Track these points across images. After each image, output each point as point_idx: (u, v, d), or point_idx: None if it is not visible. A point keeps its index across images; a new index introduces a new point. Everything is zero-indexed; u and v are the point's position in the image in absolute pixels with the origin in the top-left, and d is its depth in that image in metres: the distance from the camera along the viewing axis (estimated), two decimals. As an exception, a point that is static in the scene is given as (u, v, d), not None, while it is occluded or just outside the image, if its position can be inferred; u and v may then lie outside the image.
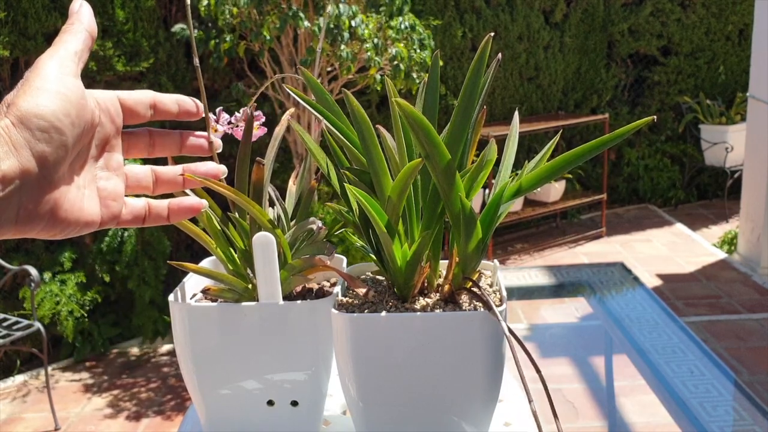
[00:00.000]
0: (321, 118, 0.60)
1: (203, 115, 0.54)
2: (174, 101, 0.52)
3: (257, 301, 0.62)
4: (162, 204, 0.51)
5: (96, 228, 0.47)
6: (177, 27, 2.89)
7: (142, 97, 0.50)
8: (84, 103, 0.44)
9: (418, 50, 2.62)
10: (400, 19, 2.60)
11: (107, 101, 0.48)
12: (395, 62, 2.53)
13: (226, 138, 0.62)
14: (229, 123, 0.64)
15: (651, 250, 3.94)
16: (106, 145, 0.48)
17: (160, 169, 0.52)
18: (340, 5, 2.44)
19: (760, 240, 3.50)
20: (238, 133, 0.64)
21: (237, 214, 0.64)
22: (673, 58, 4.73)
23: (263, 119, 0.65)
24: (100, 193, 0.47)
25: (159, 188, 0.52)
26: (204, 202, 0.52)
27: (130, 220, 0.49)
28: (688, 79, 4.78)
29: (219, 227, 0.65)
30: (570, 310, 2.35)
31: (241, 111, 0.64)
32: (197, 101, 0.54)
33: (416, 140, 0.53)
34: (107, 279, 2.93)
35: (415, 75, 2.60)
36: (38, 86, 0.42)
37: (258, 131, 0.64)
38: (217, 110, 0.63)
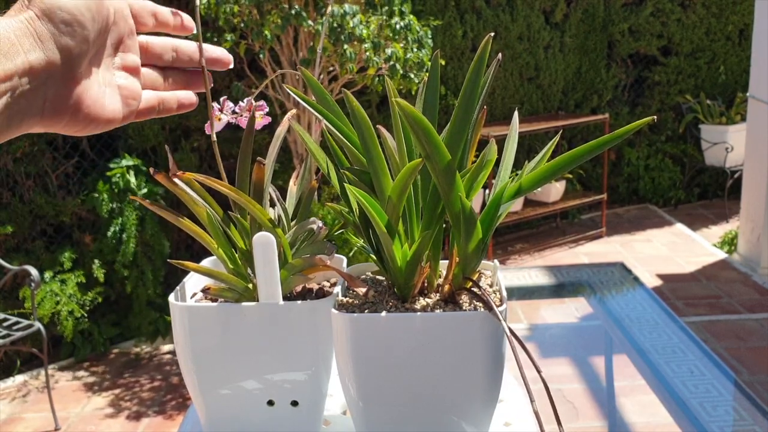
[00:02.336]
0: (321, 118, 0.60)
1: (194, 32, 0.55)
2: (170, 12, 0.53)
3: (257, 300, 0.62)
4: (171, 96, 0.53)
5: (117, 125, 0.48)
6: None
7: (145, 4, 0.52)
8: None
9: (416, 50, 2.62)
10: (397, 18, 2.60)
11: (120, 1, 0.49)
12: (391, 62, 2.53)
13: (227, 138, 0.62)
14: (234, 112, 0.64)
15: (651, 250, 3.94)
16: (120, 44, 0.49)
17: (173, 74, 0.54)
18: (345, 5, 2.44)
19: (760, 240, 3.50)
20: (243, 122, 0.64)
21: (237, 214, 0.64)
22: (673, 58, 4.73)
23: (266, 109, 0.65)
24: (121, 91, 0.48)
25: (170, 88, 0.54)
26: (193, 98, 0.54)
27: (144, 113, 0.51)
28: (689, 79, 4.78)
29: (220, 227, 0.65)
30: (570, 310, 2.35)
31: (245, 100, 0.64)
32: (190, 18, 0.55)
33: (416, 140, 0.53)
34: (102, 279, 2.93)
35: (412, 75, 2.60)
36: None
37: (262, 121, 0.65)
38: (222, 99, 0.63)
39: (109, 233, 2.94)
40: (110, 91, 0.47)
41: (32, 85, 0.41)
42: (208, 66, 0.55)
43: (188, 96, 0.54)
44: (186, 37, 0.55)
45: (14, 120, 0.41)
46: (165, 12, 0.53)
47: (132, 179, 2.97)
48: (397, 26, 2.58)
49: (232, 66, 0.56)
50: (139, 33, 0.52)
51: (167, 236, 3.13)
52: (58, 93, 0.43)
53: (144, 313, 3.05)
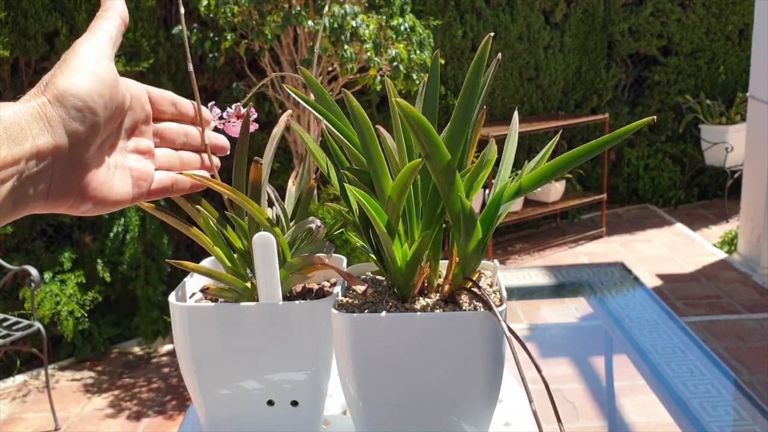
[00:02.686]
0: (321, 118, 0.60)
1: (212, 124, 0.59)
2: (190, 104, 0.57)
3: (257, 300, 0.62)
4: (184, 177, 0.55)
5: (127, 205, 0.50)
6: (177, 29, 2.90)
7: (165, 94, 0.54)
8: (117, 87, 0.46)
9: (418, 51, 2.62)
10: (400, 20, 2.60)
11: (138, 89, 0.51)
12: (394, 63, 2.53)
13: (226, 137, 0.62)
14: (221, 118, 0.64)
15: (651, 250, 3.94)
16: (135, 129, 0.51)
17: (186, 154, 0.56)
18: (347, 6, 2.44)
19: (760, 240, 3.50)
20: (230, 129, 0.64)
21: (234, 214, 0.64)
22: (673, 58, 4.73)
23: (255, 115, 0.65)
24: (132, 173, 0.50)
25: (184, 169, 0.56)
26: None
27: (156, 192, 0.52)
28: (688, 79, 4.78)
29: (216, 228, 0.65)
30: (570, 310, 2.35)
31: (233, 107, 0.64)
32: (208, 113, 0.59)
33: (416, 140, 0.53)
34: (108, 279, 2.94)
35: (415, 76, 2.60)
36: (76, 66, 0.44)
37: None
38: (209, 105, 0.63)
39: (112, 234, 2.94)
40: (120, 174, 0.48)
41: (39, 168, 0.41)
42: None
43: (201, 176, 0.57)
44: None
45: (20, 203, 0.41)
46: (185, 103, 0.56)
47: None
48: (401, 27, 2.58)
49: (228, 153, 0.60)
50: (158, 120, 0.54)
51: (168, 236, 3.14)
52: (64, 176, 0.43)
53: (150, 313, 3.05)
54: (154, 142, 0.53)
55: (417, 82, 2.59)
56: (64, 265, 2.93)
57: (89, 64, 0.44)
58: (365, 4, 2.64)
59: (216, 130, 0.64)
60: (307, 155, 0.67)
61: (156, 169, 0.53)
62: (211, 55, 2.70)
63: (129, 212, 2.97)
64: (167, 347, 3.09)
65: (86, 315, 2.90)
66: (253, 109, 0.65)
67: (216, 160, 0.59)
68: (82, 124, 0.43)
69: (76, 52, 0.45)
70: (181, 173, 0.55)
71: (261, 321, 0.61)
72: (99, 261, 2.96)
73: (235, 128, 0.64)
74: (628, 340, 1.54)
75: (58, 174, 0.43)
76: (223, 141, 0.59)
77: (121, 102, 0.47)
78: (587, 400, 2.21)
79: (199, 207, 0.62)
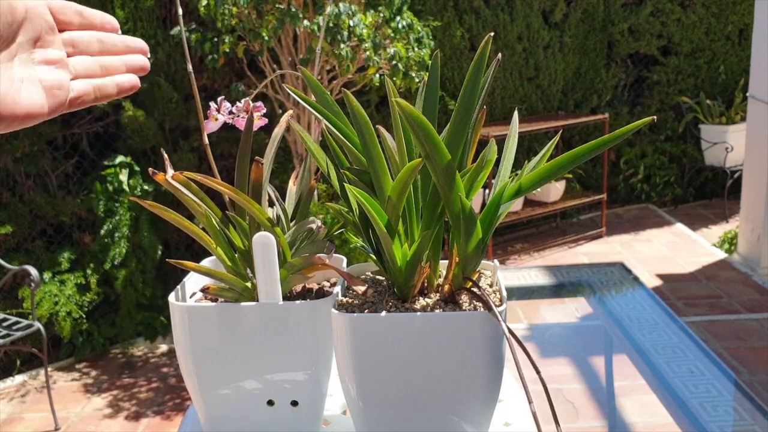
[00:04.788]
0: (321, 118, 0.60)
1: (118, 31, 0.56)
2: (96, 13, 0.54)
3: (257, 300, 0.62)
4: (108, 81, 0.53)
5: (45, 117, 0.49)
6: (176, 30, 2.90)
7: (67, 3, 0.52)
8: None
9: (416, 49, 2.62)
10: (398, 18, 2.60)
11: (35, 1, 0.50)
12: (393, 62, 2.53)
13: (227, 138, 0.62)
14: (230, 113, 0.64)
15: (651, 250, 3.94)
16: (39, 40, 0.50)
17: (107, 60, 0.54)
18: (341, 4, 2.44)
19: (760, 240, 3.50)
20: (239, 123, 0.64)
21: (235, 214, 0.64)
22: (673, 58, 4.73)
23: (264, 110, 0.65)
24: (43, 83, 0.49)
25: (107, 73, 0.54)
26: (133, 79, 0.55)
27: (79, 102, 0.51)
28: (688, 79, 4.78)
29: (218, 227, 0.65)
30: (570, 310, 2.35)
31: (242, 101, 0.64)
32: (113, 19, 0.56)
33: (416, 140, 0.53)
34: (94, 283, 2.92)
35: (413, 74, 2.59)
36: None
37: (259, 122, 0.65)
38: (219, 99, 0.63)
39: (102, 232, 2.93)
40: (28, 86, 0.48)
41: None
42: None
43: (128, 79, 0.55)
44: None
45: None
46: (92, 12, 0.54)
47: (123, 178, 2.97)
48: (399, 25, 2.57)
49: (149, 55, 0.57)
50: (65, 30, 0.52)
51: (161, 236, 3.13)
52: None
53: (132, 314, 3.04)
54: (68, 52, 0.52)
55: (416, 80, 2.59)
56: (63, 265, 2.93)
57: None
58: (363, 3, 2.64)
59: (225, 124, 0.64)
60: (307, 155, 0.67)
61: (74, 79, 0.52)
62: (210, 57, 2.70)
63: (120, 211, 2.96)
64: (167, 347, 3.09)
65: (84, 316, 2.90)
66: (261, 103, 0.65)
67: (144, 59, 0.56)
68: None
69: None
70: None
71: (261, 321, 0.61)
72: (91, 265, 2.95)
73: (244, 122, 0.65)
74: (628, 340, 1.54)
75: None
76: (141, 44, 0.57)
77: (5, 11, 0.46)
78: (587, 400, 2.21)
79: (203, 204, 0.62)
